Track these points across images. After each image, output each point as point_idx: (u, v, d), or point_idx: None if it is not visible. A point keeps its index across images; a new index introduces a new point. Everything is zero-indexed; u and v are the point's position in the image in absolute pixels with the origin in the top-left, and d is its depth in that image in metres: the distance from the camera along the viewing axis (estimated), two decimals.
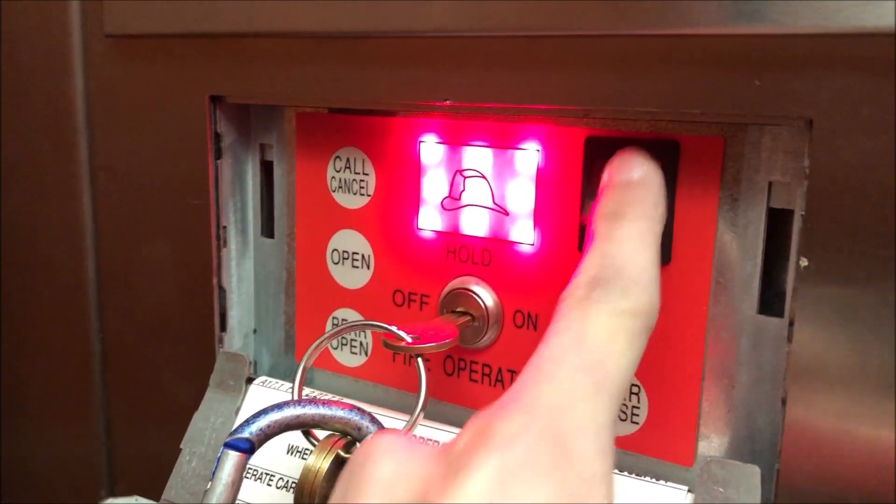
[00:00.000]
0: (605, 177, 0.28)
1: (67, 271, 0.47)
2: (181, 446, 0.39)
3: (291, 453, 0.36)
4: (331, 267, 0.39)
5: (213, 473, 0.30)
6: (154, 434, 0.45)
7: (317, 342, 0.33)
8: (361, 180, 0.37)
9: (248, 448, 0.30)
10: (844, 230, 0.25)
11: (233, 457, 0.29)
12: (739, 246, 0.29)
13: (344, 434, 0.31)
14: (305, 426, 0.31)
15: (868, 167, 0.25)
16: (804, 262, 0.26)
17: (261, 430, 0.30)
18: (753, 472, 0.28)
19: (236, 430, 0.30)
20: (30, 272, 0.49)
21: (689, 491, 0.29)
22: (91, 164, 0.44)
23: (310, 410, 0.31)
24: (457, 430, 0.33)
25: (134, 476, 0.47)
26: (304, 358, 0.33)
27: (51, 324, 0.49)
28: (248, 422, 0.30)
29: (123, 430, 0.47)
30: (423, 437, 0.33)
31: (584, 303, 0.25)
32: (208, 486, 0.30)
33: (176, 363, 0.43)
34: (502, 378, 0.34)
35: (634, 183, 0.27)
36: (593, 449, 0.22)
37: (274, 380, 0.39)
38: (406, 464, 0.23)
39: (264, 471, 0.36)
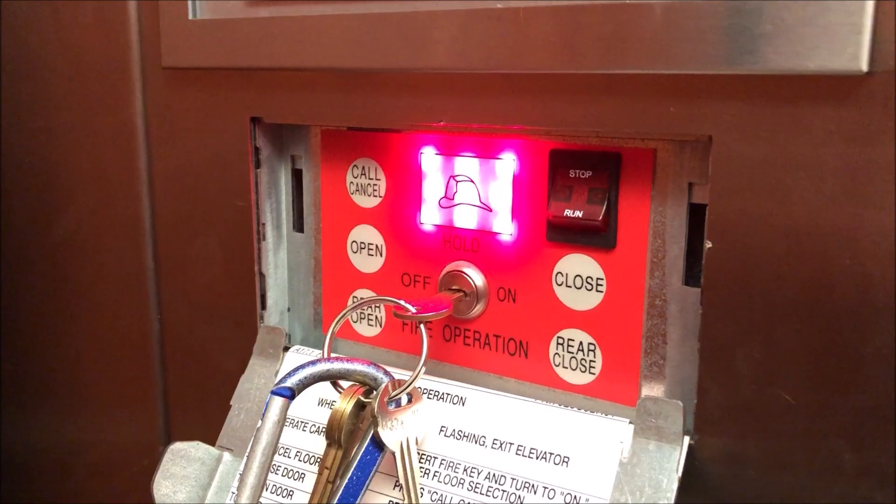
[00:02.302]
0: None
1: (129, 262, 0.55)
2: (231, 403, 0.47)
3: (322, 405, 0.44)
4: (350, 255, 0.47)
5: (263, 414, 0.38)
6: (205, 398, 0.53)
7: (342, 313, 0.41)
8: (374, 184, 0.46)
9: (290, 394, 0.38)
10: (737, 219, 0.33)
11: (278, 401, 0.38)
12: (668, 232, 0.37)
13: (363, 384, 0.39)
14: (333, 377, 0.39)
15: (753, 171, 0.33)
16: (708, 245, 0.34)
17: (300, 380, 0.38)
18: (678, 407, 0.36)
19: (281, 381, 0.38)
20: (96, 264, 0.57)
21: (630, 423, 0.37)
22: (149, 172, 0.53)
23: (337, 365, 0.39)
24: (453, 384, 0.41)
25: (188, 435, 0.55)
26: (332, 325, 0.41)
27: (115, 308, 0.57)
28: (289, 374, 0.38)
29: (178, 396, 0.55)
30: (425, 389, 0.41)
31: None
32: (259, 425, 0.38)
33: (223, 337, 0.51)
34: (489, 342, 0.43)
35: None
36: None
37: (305, 348, 0.47)
38: None
39: (300, 419, 0.44)
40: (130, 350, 0.56)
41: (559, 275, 0.40)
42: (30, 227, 0.60)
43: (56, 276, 0.60)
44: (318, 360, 0.39)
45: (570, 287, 0.40)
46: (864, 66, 0.29)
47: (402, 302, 0.40)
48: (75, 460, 0.63)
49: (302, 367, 0.38)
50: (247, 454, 0.42)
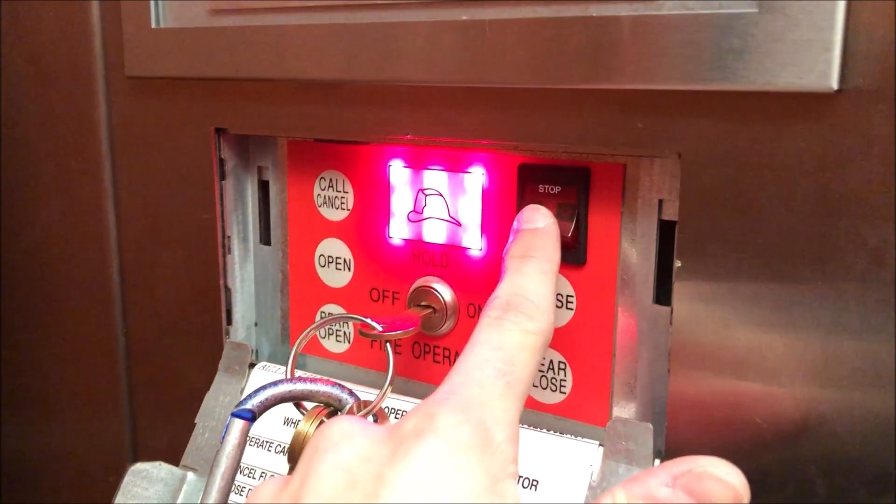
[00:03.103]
0: (515, 223, 0.35)
1: (94, 275, 0.54)
2: (195, 421, 0.46)
3: (287, 424, 0.43)
4: (318, 269, 0.46)
5: (223, 438, 0.37)
6: (171, 414, 0.52)
7: (306, 332, 0.40)
8: (342, 197, 0.45)
9: (251, 417, 0.37)
10: (706, 237, 0.32)
11: (238, 423, 0.37)
12: (638, 250, 0.36)
13: (327, 405, 0.38)
14: (296, 399, 0.38)
15: (723, 189, 0.32)
16: (678, 263, 0.33)
17: (261, 402, 0.37)
18: (648, 429, 0.35)
19: (241, 402, 0.37)
20: (61, 276, 0.56)
21: (600, 445, 0.36)
22: (114, 183, 0.51)
23: (299, 386, 0.38)
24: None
25: (154, 452, 0.54)
26: (296, 344, 0.40)
27: (80, 322, 0.55)
28: (250, 395, 0.37)
29: (145, 412, 0.54)
30: (392, 408, 0.41)
31: (498, 322, 0.30)
32: (219, 449, 0.37)
33: (189, 352, 0.50)
34: None
35: (539, 231, 0.34)
36: (507, 436, 0.27)
37: (273, 364, 0.46)
38: (361, 447, 0.27)
39: (265, 439, 0.43)
40: (96, 364, 0.55)
41: None
42: None
43: (19, 288, 0.58)
44: (281, 381, 0.38)
45: None
46: (835, 84, 0.28)
47: (368, 320, 0.39)
48: (39, 477, 0.61)
49: (263, 387, 0.37)
50: (207, 478, 0.41)
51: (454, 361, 0.42)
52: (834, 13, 0.28)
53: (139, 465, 0.43)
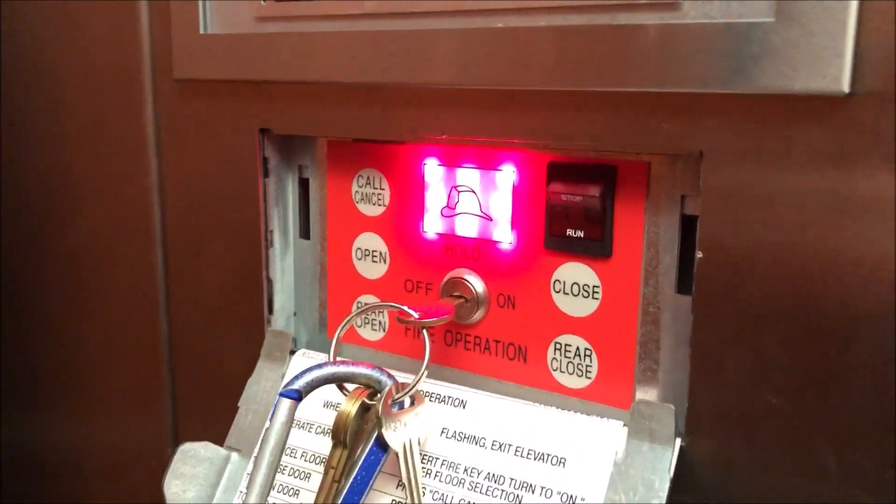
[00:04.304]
0: None
1: (140, 267, 0.56)
2: (238, 405, 0.48)
3: (327, 407, 0.46)
4: (355, 262, 0.49)
5: (272, 415, 0.39)
6: (213, 399, 0.54)
7: (347, 319, 0.43)
8: (379, 194, 0.47)
9: (298, 397, 0.40)
10: (727, 231, 0.35)
11: (286, 403, 0.39)
12: (661, 242, 0.39)
13: (367, 386, 0.41)
14: (339, 381, 0.41)
15: (742, 185, 0.34)
16: (700, 255, 0.36)
17: (307, 383, 0.40)
18: (669, 410, 0.37)
19: (289, 384, 0.40)
20: (107, 270, 0.59)
21: (624, 425, 0.38)
22: (160, 181, 0.54)
23: (342, 369, 0.41)
24: (454, 387, 0.43)
25: (195, 437, 0.57)
26: (338, 331, 0.42)
27: (125, 313, 0.58)
28: (297, 377, 0.40)
29: (187, 397, 0.57)
30: (427, 392, 0.43)
31: None
32: (267, 426, 0.40)
33: (232, 340, 0.52)
34: (489, 346, 0.44)
35: None
36: None
37: (311, 351, 0.49)
38: None
39: (306, 421, 0.46)
40: (140, 353, 0.58)
41: (557, 282, 0.41)
42: (43, 233, 0.62)
43: (68, 281, 0.61)
44: (325, 364, 0.40)
45: (567, 294, 0.41)
46: (846, 88, 0.31)
47: (405, 308, 0.42)
48: (85, 461, 0.64)
49: (309, 370, 0.40)
50: (255, 454, 0.44)
51: (484, 349, 0.44)
52: (846, 22, 0.30)
53: (188, 445, 0.46)
